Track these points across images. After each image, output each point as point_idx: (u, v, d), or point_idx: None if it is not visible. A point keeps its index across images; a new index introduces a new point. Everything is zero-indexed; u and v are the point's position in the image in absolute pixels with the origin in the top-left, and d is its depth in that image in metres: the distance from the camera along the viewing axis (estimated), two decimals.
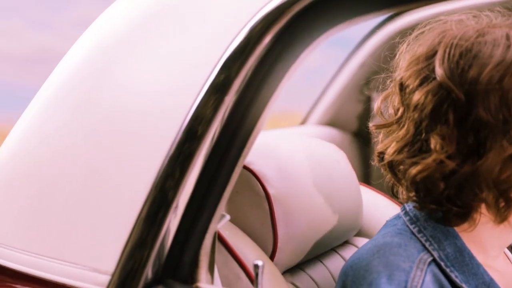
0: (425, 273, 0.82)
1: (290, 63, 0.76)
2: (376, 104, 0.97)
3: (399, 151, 0.88)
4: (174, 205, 0.77)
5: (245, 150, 0.78)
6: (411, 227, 0.89)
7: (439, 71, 0.83)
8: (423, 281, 0.81)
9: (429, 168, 0.82)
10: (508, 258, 1.00)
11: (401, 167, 0.88)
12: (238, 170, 0.79)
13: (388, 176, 0.93)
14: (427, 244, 0.87)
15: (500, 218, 0.84)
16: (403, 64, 0.91)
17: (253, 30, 0.75)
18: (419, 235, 0.88)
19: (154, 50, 0.84)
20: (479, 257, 0.89)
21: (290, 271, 1.05)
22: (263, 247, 0.97)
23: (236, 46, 0.75)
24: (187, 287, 0.77)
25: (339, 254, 1.17)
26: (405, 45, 0.94)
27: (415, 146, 0.86)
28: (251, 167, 0.99)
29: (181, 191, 0.77)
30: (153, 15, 0.88)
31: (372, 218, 1.29)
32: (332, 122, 2.50)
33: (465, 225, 0.87)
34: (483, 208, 0.86)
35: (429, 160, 0.82)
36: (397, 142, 0.88)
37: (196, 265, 0.79)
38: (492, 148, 0.80)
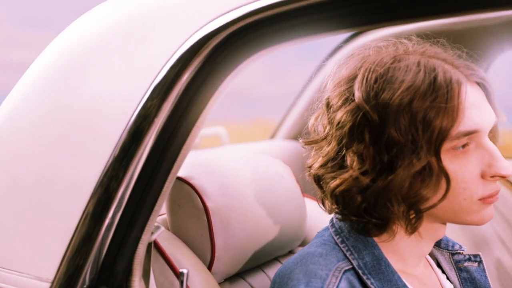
0: (340, 280, 0.89)
1: (214, 89, 0.83)
2: (310, 122, 1.04)
3: (323, 165, 0.95)
4: (108, 217, 0.84)
5: (175, 166, 0.85)
6: (335, 238, 0.97)
7: (357, 94, 0.91)
8: (337, 287, 0.88)
9: (346, 183, 0.90)
10: (431, 265, 1.07)
11: (324, 180, 0.95)
12: (169, 184, 0.86)
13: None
14: (347, 254, 0.94)
15: (411, 229, 0.92)
16: (330, 86, 0.99)
17: (181, 59, 0.83)
18: (341, 245, 0.95)
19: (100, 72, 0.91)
20: (398, 265, 0.97)
21: (230, 280, 1.12)
22: (202, 257, 1.04)
23: (160, 79, 0.82)
24: None
25: (281, 263, 1.24)
26: (334, 67, 1.01)
27: (336, 161, 0.94)
28: (192, 182, 1.06)
29: (114, 205, 0.84)
30: (104, 39, 0.94)
31: (317, 228, 1.36)
32: (299, 136, 2.57)
33: (384, 236, 0.95)
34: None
35: (346, 175, 0.90)
36: (323, 157, 0.96)
37: (130, 273, 0.86)
38: (402, 164, 0.87)
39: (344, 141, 0.92)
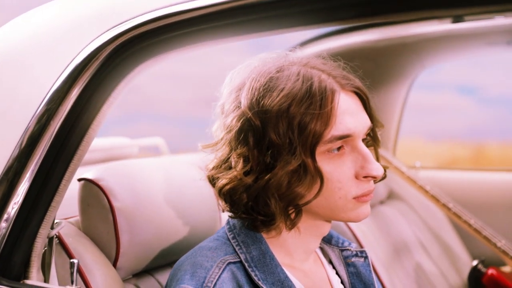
0: (223, 270, 0.97)
1: (107, 95, 0.91)
2: (213, 127, 1.13)
3: (216, 167, 1.04)
4: (6, 212, 0.91)
5: (71, 166, 0.93)
6: (228, 234, 1.05)
7: (243, 102, 1.00)
8: (219, 277, 0.96)
9: (231, 183, 0.99)
10: (322, 262, 1.16)
11: (217, 181, 1.04)
12: (66, 183, 0.94)
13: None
14: (237, 248, 1.02)
15: (290, 224, 1.01)
16: (225, 93, 1.07)
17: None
18: (232, 241, 1.04)
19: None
20: (287, 260, 1.05)
21: (137, 275, 1.19)
22: (108, 253, 1.11)
23: (56, 87, 0.91)
24: (16, 283, 0.91)
25: None
26: (228, 77, 1.10)
27: (227, 163, 1.02)
28: (100, 183, 1.13)
29: (12, 201, 0.91)
30: (12, 55, 1.02)
31: None
32: None
33: (272, 232, 1.04)
34: None
35: (232, 175, 0.99)
36: (216, 159, 1.05)
37: (27, 265, 0.93)
38: (280, 165, 0.97)
39: (232, 144, 1.01)
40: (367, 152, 1.01)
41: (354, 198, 1.00)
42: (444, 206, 1.95)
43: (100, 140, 2.11)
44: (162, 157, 2.31)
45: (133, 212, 1.14)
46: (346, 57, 1.09)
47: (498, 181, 2.47)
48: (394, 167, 2.07)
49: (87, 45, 0.89)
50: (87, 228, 1.15)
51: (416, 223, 2.23)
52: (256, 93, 0.99)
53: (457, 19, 1.95)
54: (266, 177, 0.97)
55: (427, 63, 2.25)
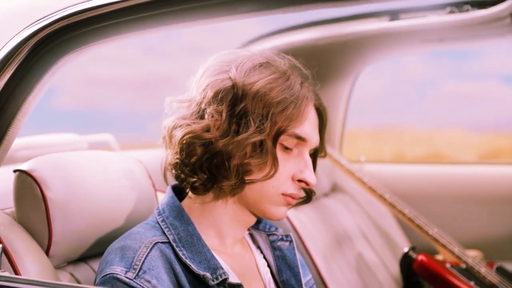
0: (150, 249, 1.03)
1: (32, 86, 0.96)
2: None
3: (183, 118, 1.10)
4: None
5: None
6: (158, 218, 1.11)
7: (233, 69, 1.08)
8: (147, 255, 1.02)
9: (193, 133, 1.05)
10: (250, 248, 1.22)
11: (176, 130, 1.09)
12: None
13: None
14: (166, 230, 1.08)
15: (233, 192, 1.08)
16: (212, 60, 1.14)
17: None
18: (161, 224, 1.09)
19: None
20: (214, 243, 1.12)
21: (73, 263, 1.23)
22: (40, 242, 1.15)
23: None
24: None
25: None
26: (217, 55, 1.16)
27: (193, 117, 1.08)
28: (33, 174, 1.17)
29: None
30: None
31: None
32: None
33: (207, 198, 1.11)
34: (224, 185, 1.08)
35: (197, 127, 1.06)
36: (185, 110, 1.11)
37: None
38: (243, 136, 1.04)
39: (206, 101, 1.08)
40: (310, 161, 1.12)
41: (283, 194, 1.09)
42: (381, 196, 2.04)
43: (48, 136, 2.12)
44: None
45: (67, 202, 1.18)
46: (291, 55, 1.17)
47: (440, 173, 2.57)
48: (334, 160, 2.15)
49: (9, 40, 0.93)
50: (21, 218, 1.18)
51: (359, 214, 2.31)
52: (250, 66, 1.09)
53: (394, 17, 2.04)
54: (227, 141, 1.04)
55: (368, 60, 2.34)
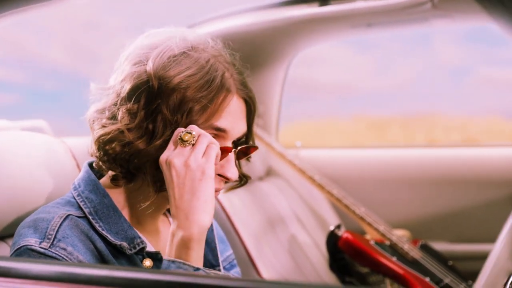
0: (63, 220, 1.03)
1: None
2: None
3: (100, 111, 1.08)
4: None
5: None
6: (73, 192, 1.11)
7: (150, 62, 1.05)
8: (61, 224, 1.02)
9: (111, 134, 1.04)
10: (169, 222, 1.24)
11: (94, 124, 1.08)
12: None
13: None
14: (81, 204, 1.08)
15: (155, 191, 1.07)
16: (132, 46, 1.12)
17: None
18: (77, 198, 1.09)
19: None
20: (132, 220, 1.12)
21: None
22: None
23: None
24: None
25: None
26: (145, 34, 1.14)
27: (110, 112, 1.07)
28: None
29: None
30: None
31: None
32: None
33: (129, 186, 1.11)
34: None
35: (114, 127, 1.04)
36: (102, 103, 1.09)
37: None
38: (162, 135, 1.03)
39: (122, 96, 1.05)
40: (231, 155, 1.09)
41: None
42: (310, 178, 2.08)
43: None
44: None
45: None
46: (226, 40, 1.16)
47: (370, 157, 2.65)
48: (266, 144, 2.18)
49: None
50: None
51: (293, 197, 2.36)
52: (166, 60, 1.05)
53: (324, 2, 2.08)
54: (144, 141, 1.03)
55: (301, 45, 2.38)
